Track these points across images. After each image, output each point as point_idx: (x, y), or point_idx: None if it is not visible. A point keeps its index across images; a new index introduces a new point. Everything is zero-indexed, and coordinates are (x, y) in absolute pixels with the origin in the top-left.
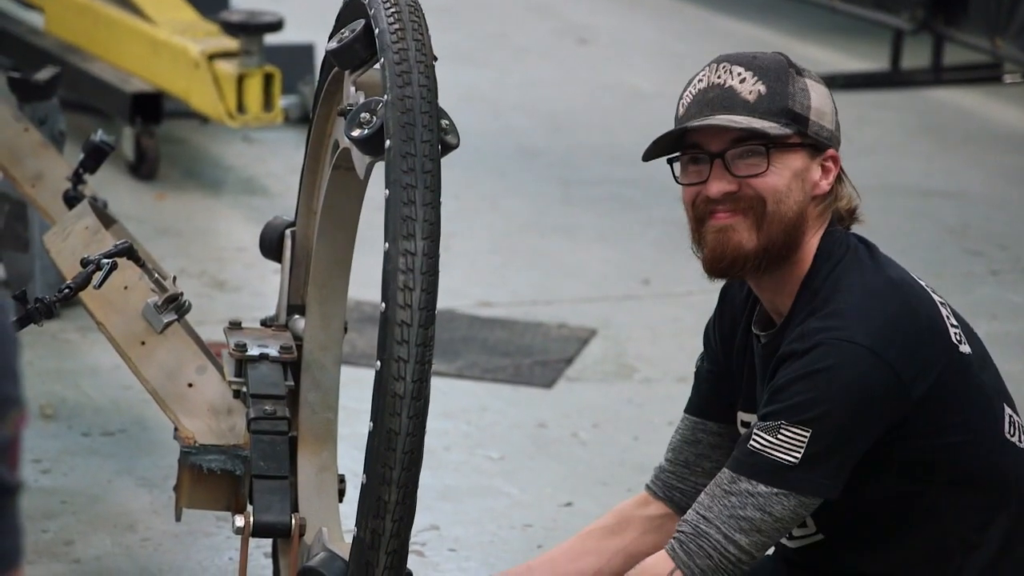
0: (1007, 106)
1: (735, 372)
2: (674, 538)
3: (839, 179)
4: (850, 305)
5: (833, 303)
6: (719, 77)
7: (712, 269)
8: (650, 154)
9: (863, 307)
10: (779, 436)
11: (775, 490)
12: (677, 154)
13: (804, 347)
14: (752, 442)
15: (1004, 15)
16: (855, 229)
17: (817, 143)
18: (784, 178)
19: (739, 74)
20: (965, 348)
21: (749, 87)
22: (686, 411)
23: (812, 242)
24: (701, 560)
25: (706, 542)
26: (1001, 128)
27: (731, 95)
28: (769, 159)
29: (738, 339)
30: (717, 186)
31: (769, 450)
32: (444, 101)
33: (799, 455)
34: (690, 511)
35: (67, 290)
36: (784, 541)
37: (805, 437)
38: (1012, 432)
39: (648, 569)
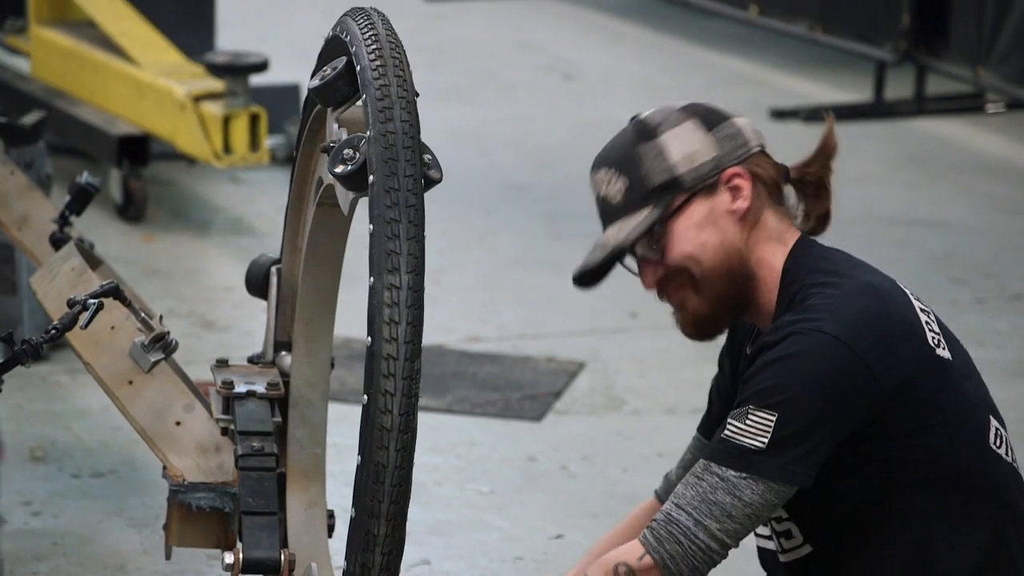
0: (990, 135)
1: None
2: (647, 526)
3: (758, 184)
4: (823, 301)
5: (807, 301)
6: (596, 188)
7: (693, 339)
8: (585, 281)
9: (836, 302)
10: (747, 421)
11: (743, 475)
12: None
13: (776, 338)
14: (725, 430)
15: (985, 45)
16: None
17: (705, 184)
18: (690, 238)
19: (604, 179)
20: (943, 353)
21: (614, 189)
22: (698, 430)
23: (773, 256)
24: (670, 546)
25: (676, 528)
26: (984, 157)
27: (606, 206)
28: (665, 238)
29: (743, 363)
30: (648, 278)
31: (738, 436)
32: (431, 138)
33: (766, 440)
34: (667, 501)
35: (54, 331)
36: (779, 556)
37: (771, 421)
38: (998, 443)
39: (620, 555)
